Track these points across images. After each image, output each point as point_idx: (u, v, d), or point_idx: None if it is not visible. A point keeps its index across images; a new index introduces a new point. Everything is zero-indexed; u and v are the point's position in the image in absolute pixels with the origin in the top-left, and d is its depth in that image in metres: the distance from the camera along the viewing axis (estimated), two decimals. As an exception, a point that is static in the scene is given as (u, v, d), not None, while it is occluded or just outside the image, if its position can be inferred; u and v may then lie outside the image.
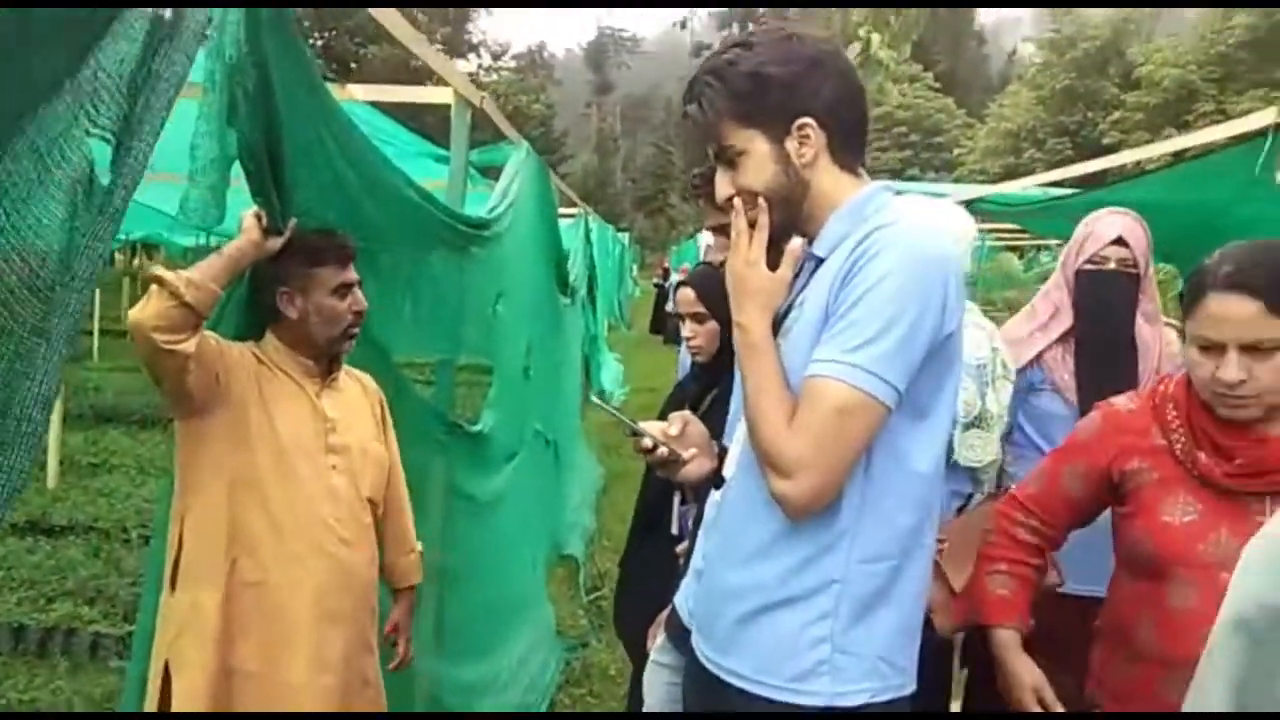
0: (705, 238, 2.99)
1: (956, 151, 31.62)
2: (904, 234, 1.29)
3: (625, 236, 22.20)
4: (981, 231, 11.21)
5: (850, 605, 1.31)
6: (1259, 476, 1.55)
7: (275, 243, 1.86)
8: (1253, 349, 1.47)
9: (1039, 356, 2.36)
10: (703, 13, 62.32)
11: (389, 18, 2.06)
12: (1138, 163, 5.41)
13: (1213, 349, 1.51)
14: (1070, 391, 2.31)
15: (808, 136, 1.38)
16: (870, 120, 1.49)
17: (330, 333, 1.97)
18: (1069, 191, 5.99)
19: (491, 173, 5.13)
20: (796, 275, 1.46)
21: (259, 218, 1.83)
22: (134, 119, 0.99)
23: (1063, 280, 2.37)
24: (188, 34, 1.14)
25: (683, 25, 66.49)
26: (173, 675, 1.84)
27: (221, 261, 1.78)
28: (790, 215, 1.41)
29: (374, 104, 3.50)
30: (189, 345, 1.71)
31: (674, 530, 2.38)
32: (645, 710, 1.93)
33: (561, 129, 48.40)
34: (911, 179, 25.77)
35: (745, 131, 1.39)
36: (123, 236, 15.21)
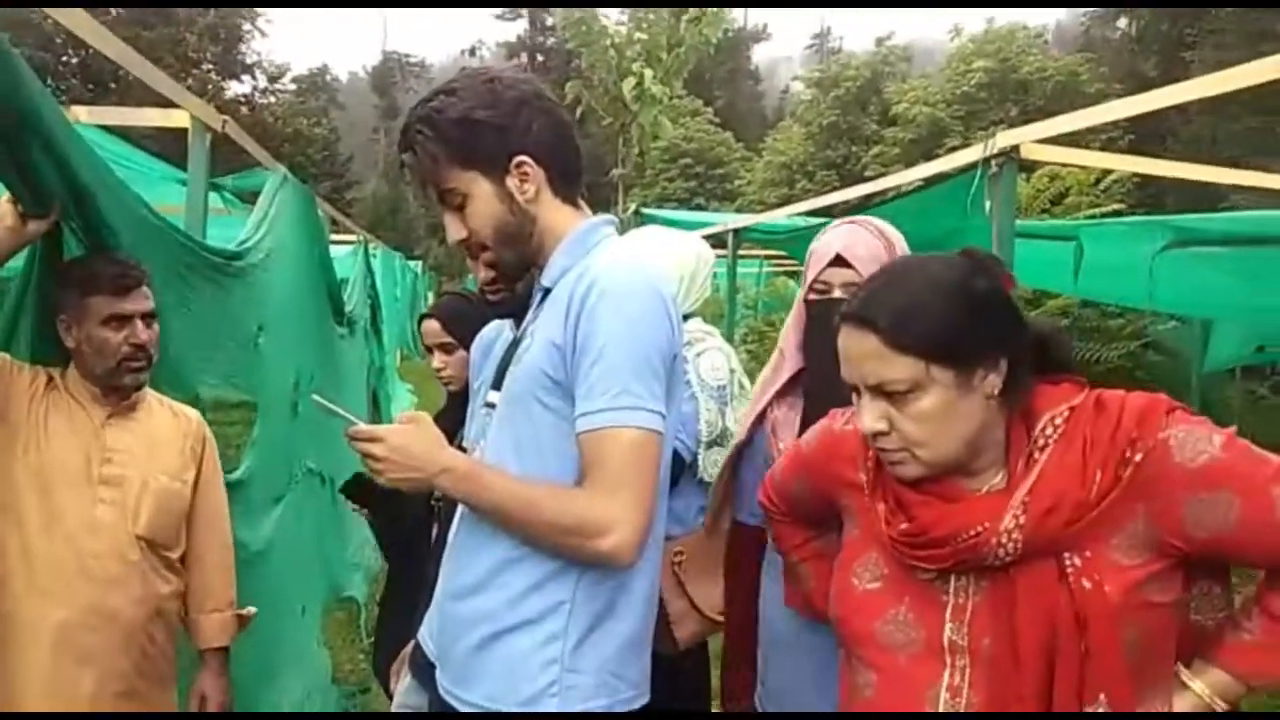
0: None
1: (737, 182, 33.21)
2: (623, 278, 1.36)
3: (418, 264, 21.71)
4: (759, 258, 11.88)
5: (578, 624, 1.35)
6: (928, 549, 1.21)
7: (35, 227, 1.78)
8: (886, 393, 1.20)
9: (761, 418, 1.83)
10: (491, 41, 62.40)
11: (98, 36, 1.90)
12: (884, 191, 5.95)
13: (858, 393, 1.25)
14: None
15: (526, 174, 1.43)
16: (583, 154, 1.55)
17: (103, 364, 1.88)
18: (820, 220, 6.44)
19: (251, 199, 4.89)
20: (527, 304, 1.49)
21: (14, 203, 1.76)
22: None
23: (797, 313, 1.83)
24: None
25: (471, 52, 66.30)
26: None
27: None
28: (522, 251, 1.46)
29: (107, 128, 3.25)
30: None
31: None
32: None
33: (348, 153, 46.89)
34: (699, 208, 26.85)
35: (466, 174, 1.42)
36: None
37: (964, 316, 1.18)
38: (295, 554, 3.48)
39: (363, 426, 1.38)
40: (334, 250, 4.92)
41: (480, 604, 1.38)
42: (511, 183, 1.42)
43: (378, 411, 8.07)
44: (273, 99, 34.91)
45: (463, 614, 1.41)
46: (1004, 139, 2.78)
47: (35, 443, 1.83)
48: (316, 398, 1.50)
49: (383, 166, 65.37)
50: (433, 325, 2.30)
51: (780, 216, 6.67)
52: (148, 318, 1.91)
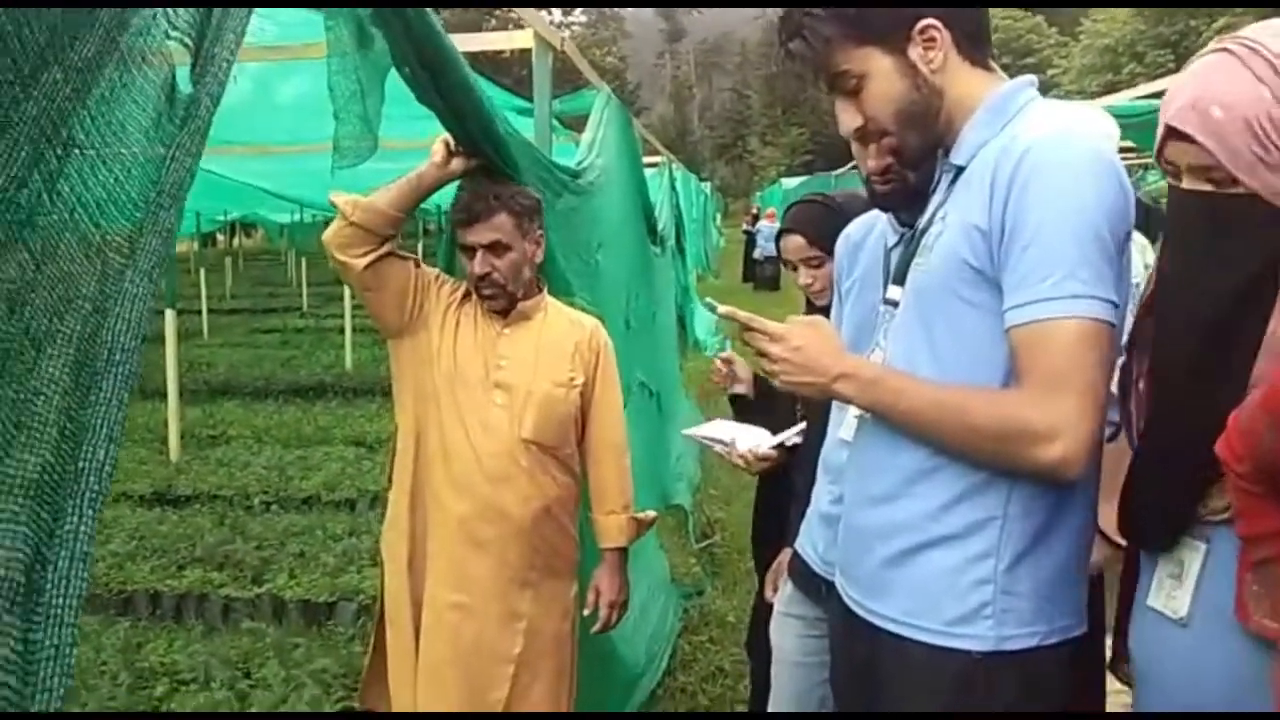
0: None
1: (1051, 72, 30.17)
2: (1063, 145, 1.17)
3: (707, 185, 21.97)
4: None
5: (1013, 542, 1.21)
6: None
7: (457, 164, 1.97)
8: None
9: (1132, 341, 1.28)
10: (772, -51, 60.53)
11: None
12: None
13: None
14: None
15: (933, 39, 1.26)
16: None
17: (471, 287, 2.05)
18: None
19: (571, 123, 5.06)
20: (933, 187, 1.36)
21: (447, 144, 1.95)
22: (213, 23, 0.92)
23: None
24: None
25: (753, -36, 64.84)
26: (385, 564, 2.09)
27: (400, 184, 1.96)
28: (929, 132, 1.30)
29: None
30: (359, 262, 1.93)
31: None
32: (777, 661, 1.87)
33: (636, 81, 48.00)
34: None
35: (860, 51, 1.27)
36: (222, 217, 15.79)
37: None
38: (635, 460, 3.63)
39: (764, 323, 1.32)
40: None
41: (893, 515, 1.29)
42: (915, 53, 1.26)
43: (684, 330, 8.27)
44: (567, 32, 36.31)
45: (873, 524, 1.33)
46: None
47: (449, 349, 2.02)
48: (711, 301, 1.44)
49: (669, 90, 66.44)
50: (796, 240, 2.15)
51: (1120, 101, 5.93)
52: (491, 249, 1.97)
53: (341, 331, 9.46)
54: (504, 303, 2.04)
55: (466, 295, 2.08)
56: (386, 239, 1.97)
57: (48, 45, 0.66)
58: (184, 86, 0.88)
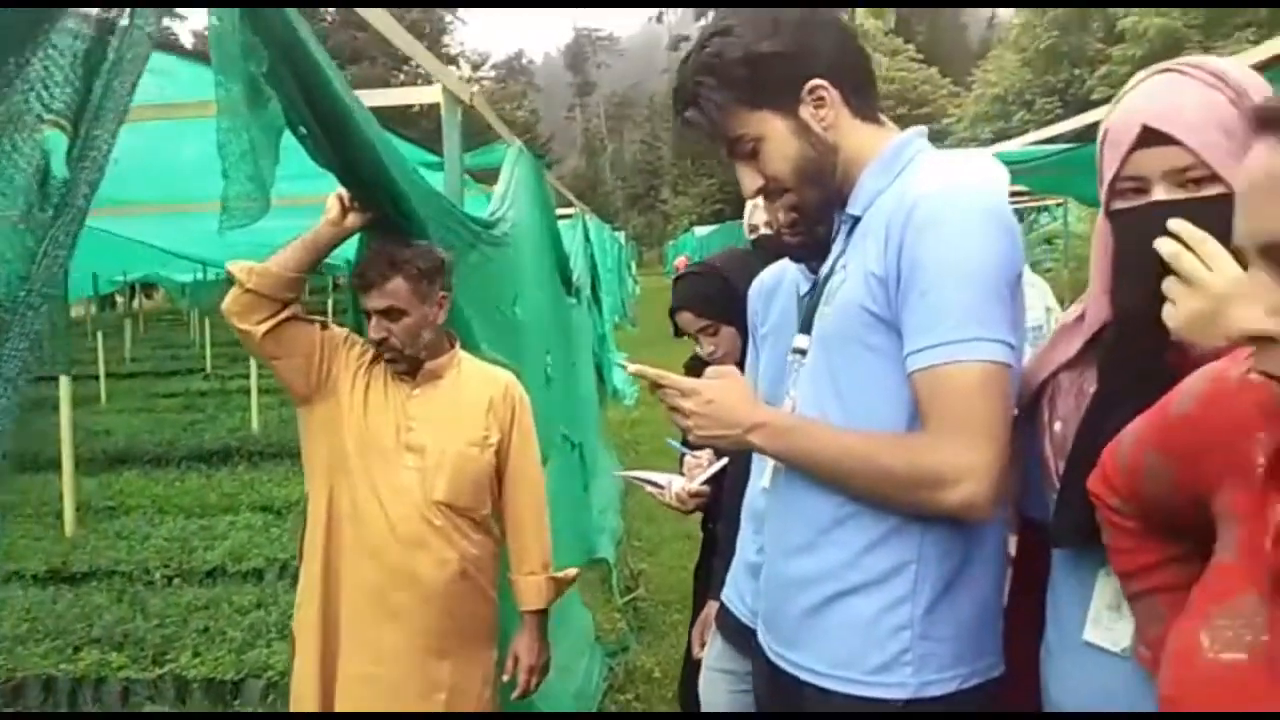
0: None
1: (945, 120, 31.51)
2: (951, 196, 1.20)
3: (620, 235, 22.19)
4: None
5: (929, 586, 1.22)
6: None
7: (353, 220, 1.92)
8: None
9: (1043, 386, 1.24)
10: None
11: (380, 19, 1.97)
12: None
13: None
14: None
15: (822, 98, 1.30)
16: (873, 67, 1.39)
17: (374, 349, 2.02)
18: (1064, 146, 5.87)
19: (483, 177, 5.05)
20: (833, 237, 1.38)
21: (341, 200, 1.91)
22: (92, 104, 0.86)
23: (1101, 237, 1.18)
24: (147, 13, 1.00)
25: (659, 19, 66.50)
26: (295, 643, 1.99)
27: (295, 245, 1.93)
28: (826, 187, 1.33)
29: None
30: (258, 329, 1.88)
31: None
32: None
33: (547, 134, 48.40)
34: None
35: (755, 115, 1.31)
36: (120, 277, 15.21)
37: None
38: (557, 518, 3.56)
39: (674, 378, 1.31)
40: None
41: (812, 564, 1.28)
42: (807, 113, 1.30)
43: (602, 381, 8.24)
44: (477, 87, 36.53)
45: (792, 574, 1.32)
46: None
47: (359, 412, 1.97)
48: (623, 360, 1.41)
49: (581, 143, 67.19)
50: (686, 316, 2.19)
51: (1011, 147, 6.18)
52: (386, 315, 1.93)
53: (247, 393, 9.15)
54: (404, 365, 2.00)
55: (376, 357, 2.03)
56: (286, 303, 1.91)
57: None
58: (58, 170, 0.81)
